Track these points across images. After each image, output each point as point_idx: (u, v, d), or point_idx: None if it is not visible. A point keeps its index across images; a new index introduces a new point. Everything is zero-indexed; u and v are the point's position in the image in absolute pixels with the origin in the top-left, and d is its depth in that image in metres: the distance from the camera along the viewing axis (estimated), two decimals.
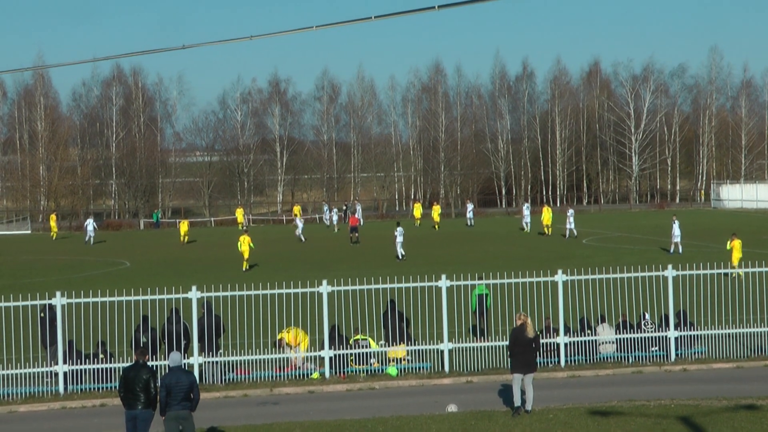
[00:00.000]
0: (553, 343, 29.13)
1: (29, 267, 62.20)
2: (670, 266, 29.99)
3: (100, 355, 27.94)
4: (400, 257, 59.43)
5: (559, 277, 29.38)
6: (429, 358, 29.17)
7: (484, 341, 29.23)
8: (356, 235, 73.35)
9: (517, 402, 23.39)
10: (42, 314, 28.83)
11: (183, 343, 27.50)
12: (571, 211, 74.41)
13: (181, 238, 76.16)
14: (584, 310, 29.94)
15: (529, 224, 79.33)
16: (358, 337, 29.25)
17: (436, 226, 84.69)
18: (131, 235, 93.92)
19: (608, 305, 29.78)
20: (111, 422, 21.28)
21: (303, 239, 74.96)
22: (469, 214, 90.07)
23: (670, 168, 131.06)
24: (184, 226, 77.82)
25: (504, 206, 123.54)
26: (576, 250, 60.40)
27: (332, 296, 28.80)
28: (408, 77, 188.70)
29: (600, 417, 22.69)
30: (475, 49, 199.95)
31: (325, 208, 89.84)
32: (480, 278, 31.03)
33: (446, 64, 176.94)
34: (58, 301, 27.40)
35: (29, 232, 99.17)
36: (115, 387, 20.58)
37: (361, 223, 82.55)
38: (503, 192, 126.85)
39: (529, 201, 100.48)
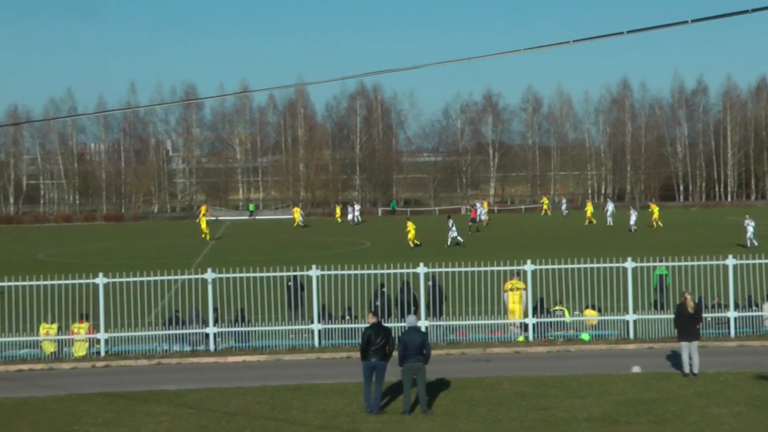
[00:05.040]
0: (723, 317, 28.20)
1: (289, 245, 63.92)
2: None
3: (347, 317, 28.51)
4: (451, 244, 58.44)
5: (730, 261, 28.42)
6: (616, 326, 28.64)
7: (664, 314, 28.52)
8: (474, 225, 72.51)
9: (686, 367, 22.74)
10: (289, 283, 29.71)
11: (413, 309, 27.77)
12: (611, 205, 76.48)
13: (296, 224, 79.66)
14: (751, 290, 28.87)
15: (611, 219, 76.71)
16: (557, 308, 28.97)
17: (593, 220, 79.97)
18: (371, 220, 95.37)
19: None
20: (355, 371, 21.70)
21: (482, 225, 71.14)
22: (610, 213, 79.34)
23: None
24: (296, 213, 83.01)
25: (681, 201, 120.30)
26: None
27: (535, 274, 28.65)
28: (600, 91, 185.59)
29: (765, 381, 21.77)
30: (657, 67, 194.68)
31: (478, 204, 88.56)
32: (661, 260, 30.25)
33: (632, 81, 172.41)
34: (314, 273, 28.04)
35: (291, 216, 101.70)
36: (358, 343, 20.91)
37: (481, 218, 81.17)
38: (681, 189, 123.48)
39: (614, 199, 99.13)
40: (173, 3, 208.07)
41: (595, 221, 78.34)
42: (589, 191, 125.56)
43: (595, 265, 28.40)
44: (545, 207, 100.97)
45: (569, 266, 28.45)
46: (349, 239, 64.94)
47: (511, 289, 28.66)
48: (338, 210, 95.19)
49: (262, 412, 20.15)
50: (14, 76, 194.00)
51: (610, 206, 79.04)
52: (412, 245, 57.79)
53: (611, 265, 28.50)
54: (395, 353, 20.36)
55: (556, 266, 28.49)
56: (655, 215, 72.22)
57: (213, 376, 24.34)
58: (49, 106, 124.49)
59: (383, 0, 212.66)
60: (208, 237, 68.93)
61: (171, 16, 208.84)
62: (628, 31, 15.30)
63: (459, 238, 59.32)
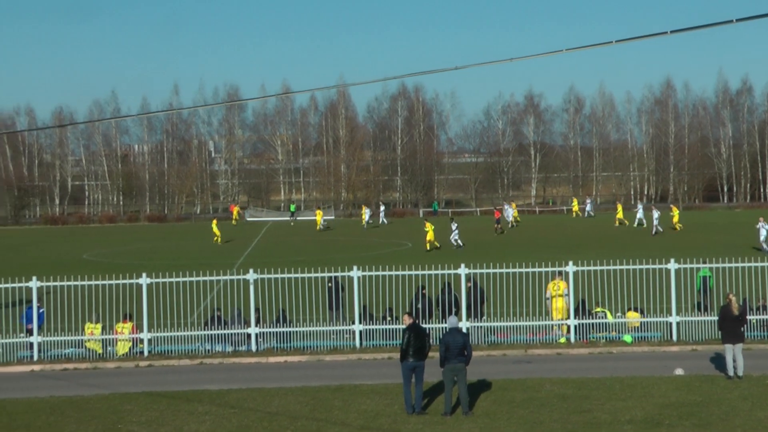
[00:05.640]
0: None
1: (330, 246, 64.06)
2: None
3: (388, 318, 28.50)
4: (457, 246, 57.94)
5: None
6: (659, 328, 28.41)
7: (707, 316, 28.24)
8: (498, 226, 71.93)
9: (730, 369, 22.48)
10: (329, 284, 29.76)
11: (453, 310, 27.71)
12: (641, 205, 76.12)
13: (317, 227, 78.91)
14: None
15: (642, 220, 75.69)
16: (598, 309, 28.79)
17: (625, 222, 78.69)
18: (412, 221, 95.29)
19: None
20: (396, 372, 21.67)
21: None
22: (639, 214, 77.23)
23: None
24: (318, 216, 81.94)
25: (725, 202, 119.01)
26: None
27: (577, 275, 28.49)
28: (642, 92, 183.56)
29: None
30: (700, 67, 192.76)
31: (506, 206, 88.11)
32: (704, 262, 29.96)
33: (676, 81, 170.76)
34: (355, 273, 28.08)
35: (332, 217, 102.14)
36: (399, 344, 20.91)
37: (508, 219, 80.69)
38: (725, 189, 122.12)
39: (644, 201, 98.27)
40: (216, 5, 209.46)
41: (627, 223, 77.67)
42: (632, 192, 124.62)
43: (638, 267, 28.20)
44: (575, 209, 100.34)
45: (611, 267, 28.26)
46: (389, 240, 64.84)
47: (554, 295, 28.50)
48: (363, 211, 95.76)
49: (303, 412, 20.21)
50: (59, 78, 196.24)
51: (640, 208, 78.09)
52: (428, 247, 56.42)
53: (654, 266, 28.28)
54: (436, 354, 20.35)
55: (597, 267, 28.30)
56: (675, 218, 71.46)
57: (255, 377, 24.46)
58: (93, 108, 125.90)
59: (425, 1, 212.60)
60: (219, 240, 67.73)
61: (214, 19, 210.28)
62: (672, 31, 15.16)
63: (459, 242, 58.59)
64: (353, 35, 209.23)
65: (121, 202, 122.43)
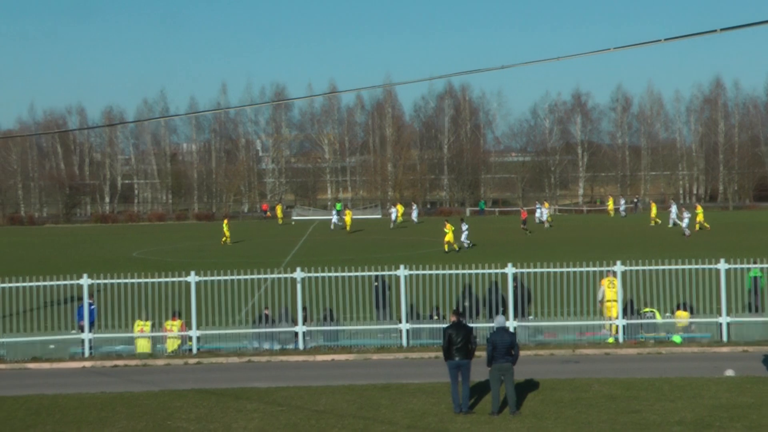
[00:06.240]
0: None
1: (377, 245, 64.12)
2: None
3: (434, 317, 28.47)
4: (469, 246, 57.57)
5: None
6: (709, 329, 28.08)
7: (758, 316, 27.89)
8: (525, 226, 71.27)
9: None
10: (376, 283, 29.76)
11: (500, 309, 27.62)
12: (674, 205, 75.57)
13: (348, 227, 77.51)
14: None
15: (673, 220, 74.82)
16: (646, 309, 28.53)
17: (658, 221, 78.53)
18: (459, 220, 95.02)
19: None
20: (443, 371, 21.65)
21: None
22: (673, 214, 76.41)
23: None
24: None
25: None
26: None
27: (624, 275, 28.26)
28: (692, 90, 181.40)
29: None
30: (751, 65, 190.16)
31: (538, 205, 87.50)
32: (755, 262, 29.57)
33: (725, 79, 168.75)
34: (402, 272, 28.07)
35: (379, 216, 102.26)
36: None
37: (542, 220, 79.79)
38: None
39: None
40: (263, 4, 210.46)
41: (660, 221, 77.09)
42: (681, 191, 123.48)
43: (687, 267, 27.89)
44: (610, 208, 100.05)
45: (660, 267, 28.00)
46: (436, 239, 64.60)
47: (608, 298, 28.28)
48: (400, 209, 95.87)
49: (350, 410, 20.25)
50: (109, 78, 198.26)
51: (674, 208, 77.24)
52: (446, 249, 55.39)
53: (703, 266, 27.95)
54: (483, 353, 20.29)
55: (646, 267, 28.05)
56: (700, 217, 70.49)
57: (302, 375, 24.55)
58: (142, 108, 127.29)
59: (472, 0, 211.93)
60: (229, 241, 67.18)
61: (261, 18, 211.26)
62: (722, 29, 14.99)
63: (465, 243, 57.93)
64: (400, 34, 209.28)
65: (170, 201, 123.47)
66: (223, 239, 67.79)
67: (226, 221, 70.80)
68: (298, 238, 71.72)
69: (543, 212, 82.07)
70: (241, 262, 41.38)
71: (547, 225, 79.27)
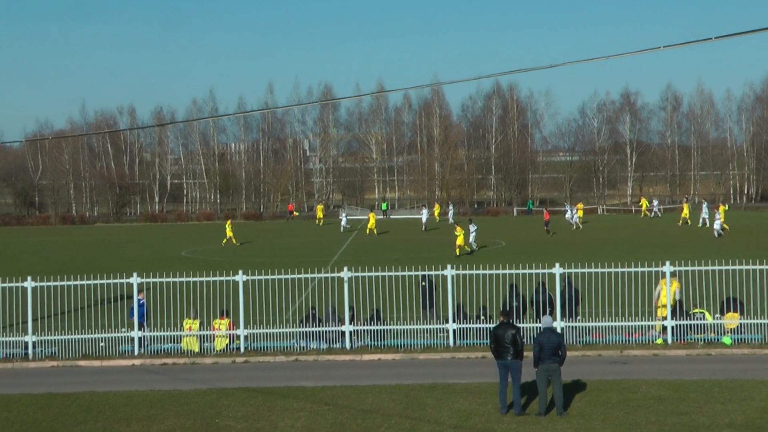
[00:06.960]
0: None
1: (424, 244, 64.08)
2: None
3: (481, 317, 28.39)
4: (474, 248, 56.79)
5: None
6: (759, 330, 27.72)
7: None
8: (547, 228, 70.57)
9: None
10: (423, 283, 29.72)
11: (548, 309, 27.48)
12: (705, 205, 75.00)
13: (367, 230, 76.16)
14: None
15: (706, 220, 73.58)
16: (696, 310, 28.23)
17: (689, 221, 77.86)
18: (506, 220, 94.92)
19: None
20: (490, 371, 21.64)
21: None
22: (704, 214, 75.00)
23: None
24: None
25: None
26: None
27: (673, 275, 27.97)
28: (743, 89, 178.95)
29: None
30: None
31: (567, 207, 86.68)
32: None
33: None
34: (449, 272, 28.02)
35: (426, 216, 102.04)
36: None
37: (573, 221, 79.11)
38: None
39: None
40: (311, 5, 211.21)
41: (690, 222, 76.26)
42: (731, 191, 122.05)
43: (737, 267, 27.54)
44: (644, 208, 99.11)
45: (709, 268, 27.67)
46: (481, 239, 64.47)
47: (665, 286, 27.97)
48: (437, 208, 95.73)
49: (396, 410, 20.27)
50: (160, 78, 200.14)
51: (705, 208, 76.31)
52: (458, 252, 54.33)
53: (755, 267, 27.59)
54: (530, 354, 20.22)
55: (696, 268, 27.72)
56: (722, 217, 69.27)
57: (349, 374, 24.60)
58: (191, 108, 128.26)
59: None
60: (234, 241, 66.87)
61: (309, 18, 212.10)
62: None
63: (473, 245, 57.26)
64: (447, 34, 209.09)
65: (218, 200, 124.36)
66: (224, 240, 67.79)
67: (229, 222, 70.70)
68: (346, 237, 71.88)
69: (574, 214, 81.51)
70: (288, 262, 41.58)
71: (575, 227, 78.29)
